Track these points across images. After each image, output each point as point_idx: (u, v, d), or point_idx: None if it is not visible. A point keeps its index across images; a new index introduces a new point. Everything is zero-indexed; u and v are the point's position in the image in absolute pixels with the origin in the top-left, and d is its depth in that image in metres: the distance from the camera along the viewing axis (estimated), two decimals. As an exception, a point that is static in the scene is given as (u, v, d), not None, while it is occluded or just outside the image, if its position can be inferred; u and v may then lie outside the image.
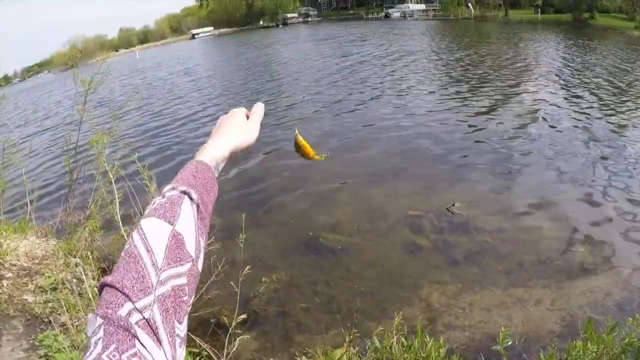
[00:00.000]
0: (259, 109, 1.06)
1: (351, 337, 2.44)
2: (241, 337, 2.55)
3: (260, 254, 3.83)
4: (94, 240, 3.65)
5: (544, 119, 8.03)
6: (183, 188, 0.79)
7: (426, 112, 8.98)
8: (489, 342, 2.79)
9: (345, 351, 2.48)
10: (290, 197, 5.44)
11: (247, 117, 1.03)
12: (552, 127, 7.57)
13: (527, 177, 5.49)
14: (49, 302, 2.90)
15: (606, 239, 3.83)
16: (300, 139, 1.17)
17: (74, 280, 3.09)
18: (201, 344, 2.53)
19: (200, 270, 0.74)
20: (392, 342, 2.53)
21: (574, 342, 2.41)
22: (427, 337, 2.55)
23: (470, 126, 7.74)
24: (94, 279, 3.16)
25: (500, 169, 5.73)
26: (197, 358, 2.66)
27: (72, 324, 2.64)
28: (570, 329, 2.90)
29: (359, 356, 2.56)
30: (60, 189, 5.99)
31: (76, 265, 3.09)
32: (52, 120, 14.68)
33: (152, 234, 0.70)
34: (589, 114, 8.20)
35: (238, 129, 0.99)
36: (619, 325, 2.46)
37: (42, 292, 3.01)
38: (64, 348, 2.36)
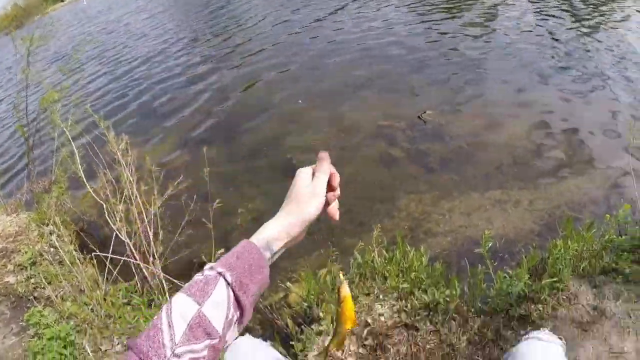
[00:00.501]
0: (322, 165, 0.95)
1: (332, 256, 2.41)
2: None
3: (234, 185, 3.75)
4: (64, 203, 3.53)
5: (515, 23, 7.69)
6: (220, 269, 0.81)
7: (391, 21, 8.52)
8: (470, 245, 2.82)
9: (328, 270, 2.46)
10: (258, 122, 5.28)
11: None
12: (523, 30, 7.27)
13: (499, 81, 5.32)
14: (31, 278, 2.83)
15: (582, 139, 3.79)
16: (346, 290, 0.97)
17: (51, 249, 3.01)
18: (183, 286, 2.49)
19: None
20: (373, 256, 2.51)
21: (554, 240, 2.42)
22: (408, 247, 2.54)
23: (440, 33, 7.43)
24: (71, 243, 3.08)
25: (471, 75, 5.54)
26: None
27: (56, 295, 2.58)
28: (549, 228, 2.93)
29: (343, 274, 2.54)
30: (22, 159, 5.76)
31: (50, 234, 2.99)
32: (2, 90, 13.10)
33: (177, 311, 0.76)
34: (557, 16, 7.89)
35: (293, 202, 0.94)
36: (597, 222, 2.48)
37: (22, 269, 2.95)
38: (52, 322, 2.30)
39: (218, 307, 0.78)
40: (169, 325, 0.73)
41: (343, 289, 0.97)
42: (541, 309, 2.25)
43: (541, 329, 1.44)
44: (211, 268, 0.83)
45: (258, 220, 3.44)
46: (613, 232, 2.42)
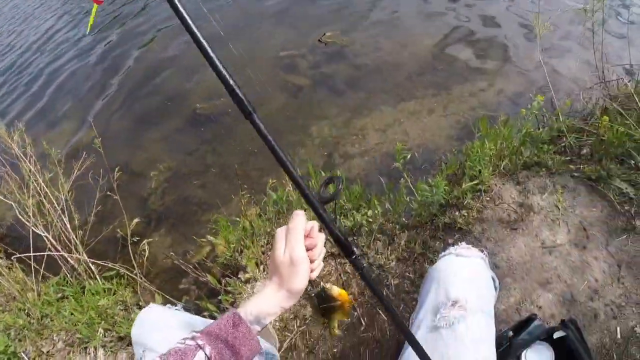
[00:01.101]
0: (293, 223, 0.86)
1: (244, 198, 2.17)
2: (148, 239, 2.34)
3: (142, 150, 3.37)
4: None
5: None
6: (200, 342, 0.79)
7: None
8: (389, 161, 2.66)
9: (243, 215, 2.24)
10: (157, 81, 4.66)
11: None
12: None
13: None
14: None
15: (490, 35, 3.64)
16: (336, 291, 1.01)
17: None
18: (112, 265, 2.27)
19: None
20: (288, 190, 2.29)
21: (471, 142, 2.28)
22: (323, 174, 2.34)
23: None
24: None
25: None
26: (115, 279, 2.42)
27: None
28: (468, 131, 2.80)
29: (261, 214, 2.32)
30: None
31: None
32: None
33: None
34: None
35: (277, 275, 0.87)
36: (513, 119, 2.37)
37: None
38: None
39: None
40: None
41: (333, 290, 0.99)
42: (466, 214, 2.13)
43: (460, 243, 1.28)
44: (192, 337, 0.81)
45: (172, 181, 3.17)
46: (531, 126, 2.30)
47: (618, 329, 1.82)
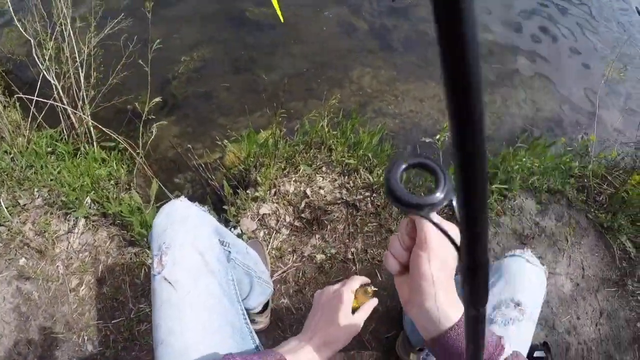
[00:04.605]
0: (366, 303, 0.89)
1: (278, 118, 1.92)
2: (159, 122, 2.03)
3: (178, 31, 2.97)
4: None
5: None
6: None
7: None
8: (419, 132, 2.49)
9: (272, 133, 1.99)
10: None
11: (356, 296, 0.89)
12: None
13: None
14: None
15: (556, 53, 3.38)
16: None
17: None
18: (116, 136, 1.94)
19: None
20: (322, 125, 2.07)
21: (514, 149, 2.17)
22: (362, 123, 2.14)
23: None
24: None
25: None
26: (113, 152, 2.13)
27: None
28: (499, 133, 2.66)
29: (285, 138, 2.09)
30: None
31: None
32: None
33: None
34: None
35: (326, 329, 0.82)
36: (548, 140, 2.29)
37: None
38: None
39: None
40: None
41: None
42: (485, 213, 2.00)
43: (524, 248, 1.17)
44: None
45: (201, 71, 2.73)
46: (570, 157, 2.20)
47: None
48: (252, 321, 1.58)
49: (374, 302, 0.89)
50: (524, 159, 2.04)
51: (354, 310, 0.87)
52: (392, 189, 0.45)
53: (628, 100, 3.13)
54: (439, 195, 0.46)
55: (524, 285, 1.09)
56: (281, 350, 0.80)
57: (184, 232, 1.01)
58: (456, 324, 0.66)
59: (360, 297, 0.88)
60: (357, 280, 0.90)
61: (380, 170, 2.03)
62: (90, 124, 2.06)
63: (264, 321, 1.64)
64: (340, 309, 0.84)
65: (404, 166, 0.48)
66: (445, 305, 0.66)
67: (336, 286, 0.89)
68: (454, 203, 0.43)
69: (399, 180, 0.46)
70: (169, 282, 0.95)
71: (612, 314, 1.96)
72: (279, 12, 1.35)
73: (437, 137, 1.98)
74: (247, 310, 1.46)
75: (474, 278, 0.35)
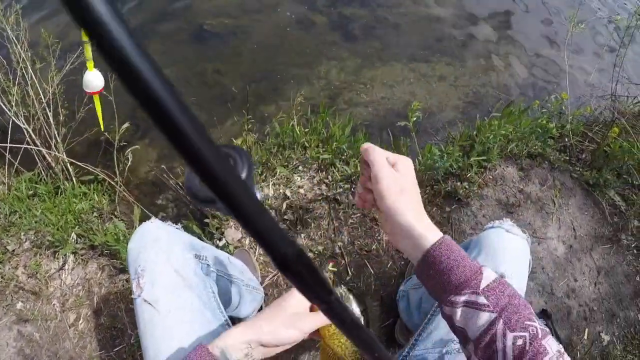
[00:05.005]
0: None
1: (247, 124, 1.93)
2: (132, 147, 2.04)
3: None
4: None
5: None
6: None
7: None
8: (392, 117, 2.47)
9: (243, 140, 1.99)
10: None
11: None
12: None
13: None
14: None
15: (515, 22, 3.36)
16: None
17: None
18: (92, 169, 1.97)
19: None
20: (292, 124, 2.08)
21: (488, 119, 2.14)
22: (331, 116, 2.14)
23: None
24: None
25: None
26: (92, 184, 2.12)
27: None
28: (474, 105, 2.65)
29: (258, 143, 2.10)
30: None
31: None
32: None
33: None
34: None
35: (271, 316, 0.80)
36: (521, 105, 2.26)
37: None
38: None
39: None
40: None
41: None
42: (467, 186, 1.99)
43: (504, 219, 1.15)
44: None
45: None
46: (545, 118, 2.19)
47: (586, 330, 1.83)
48: (249, 328, 1.58)
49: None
50: (499, 128, 2.04)
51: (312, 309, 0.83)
52: (190, 187, 0.37)
53: (598, 53, 3.13)
54: None
55: (506, 256, 1.05)
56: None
57: (157, 252, 1.01)
58: (436, 242, 0.71)
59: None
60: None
61: (357, 160, 2.04)
62: (66, 161, 2.07)
63: (260, 328, 1.64)
64: (284, 308, 0.81)
65: None
66: (420, 229, 0.72)
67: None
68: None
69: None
70: (149, 303, 0.96)
71: (609, 271, 1.94)
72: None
73: (403, 122, 1.97)
74: (241, 318, 1.47)
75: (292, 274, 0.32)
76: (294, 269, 0.31)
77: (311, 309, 0.83)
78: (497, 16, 3.35)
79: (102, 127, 1.81)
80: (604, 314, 1.85)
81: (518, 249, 1.08)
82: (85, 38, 1.56)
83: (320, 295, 0.35)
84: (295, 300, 0.81)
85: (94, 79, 1.59)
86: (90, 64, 1.59)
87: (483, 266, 0.72)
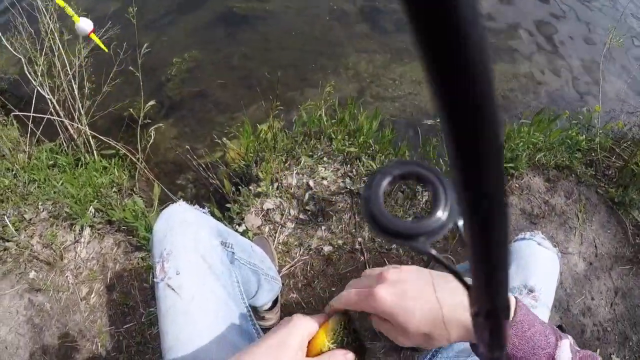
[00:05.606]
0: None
1: (275, 110, 1.89)
2: (156, 125, 2.02)
3: (167, 33, 2.93)
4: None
5: None
6: None
7: None
8: (419, 115, 2.43)
9: (269, 126, 1.96)
10: None
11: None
12: None
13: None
14: None
15: (548, 30, 3.28)
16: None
17: None
18: (114, 144, 1.92)
19: None
20: (320, 114, 2.04)
21: (519, 126, 2.10)
22: (358, 109, 2.11)
23: None
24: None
25: None
26: (113, 159, 2.11)
27: None
28: (503, 109, 2.58)
29: (284, 131, 2.07)
30: None
31: None
32: None
33: None
34: None
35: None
36: (551, 114, 2.20)
37: None
38: None
39: None
40: None
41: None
42: (492, 193, 1.96)
43: (534, 231, 1.12)
44: None
45: (194, 70, 2.62)
46: (575, 130, 2.13)
47: (598, 350, 1.79)
48: (262, 318, 1.57)
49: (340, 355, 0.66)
50: (529, 135, 2.00)
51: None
52: (373, 214, 0.31)
53: (630, 69, 3.06)
54: (440, 216, 0.32)
55: (537, 270, 1.02)
56: None
57: (185, 236, 0.98)
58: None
59: (322, 338, 0.67)
60: (318, 319, 0.70)
61: (383, 157, 2.00)
62: (88, 134, 2.05)
63: (274, 317, 1.63)
64: (289, 346, 0.65)
65: (388, 179, 0.34)
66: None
67: (299, 320, 0.68)
68: (460, 225, 0.31)
69: (382, 200, 0.33)
70: (173, 289, 0.93)
71: (627, 293, 1.90)
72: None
73: (432, 121, 1.94)
74: (257, 307, 1.45)
75: (492, 323, 0.29)
76: (494, 321, 0.29)
77: (308, 347, 0.68)
78: (531, 24, 3.28)
79: (105, 49, 1.93)
80: (617, 336, 1.81)
81: (549, 263, 1.05)
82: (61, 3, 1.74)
83: (492, 347, 0.33)
84: (300, 339, 0.66)
85: (84, 26, 1.77)
86: (75, 18, 1.75)
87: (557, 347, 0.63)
